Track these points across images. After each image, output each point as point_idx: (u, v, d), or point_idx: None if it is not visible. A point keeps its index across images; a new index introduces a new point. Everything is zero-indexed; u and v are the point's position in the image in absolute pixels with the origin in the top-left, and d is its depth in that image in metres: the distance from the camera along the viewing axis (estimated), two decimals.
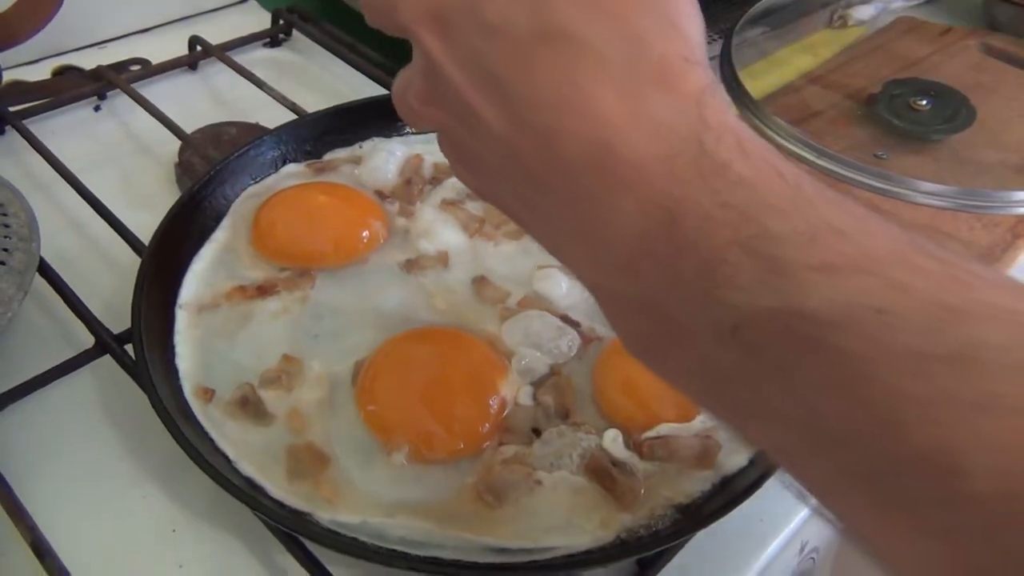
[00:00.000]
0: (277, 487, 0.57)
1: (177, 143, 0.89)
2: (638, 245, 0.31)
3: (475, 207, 0.78)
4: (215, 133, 0.94)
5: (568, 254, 0.37)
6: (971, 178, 0.91)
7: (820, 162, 0.86)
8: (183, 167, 0.89)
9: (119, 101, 0.99)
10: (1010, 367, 0.26)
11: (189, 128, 0.91)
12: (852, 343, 0.27)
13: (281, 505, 0.56)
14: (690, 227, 0.30)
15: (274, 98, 0.96)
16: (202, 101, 1.02)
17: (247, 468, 0.58)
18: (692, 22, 0.34)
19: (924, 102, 0.98)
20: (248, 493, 0.54)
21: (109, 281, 0.77)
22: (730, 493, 0.58)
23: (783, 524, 0.64)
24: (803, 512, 0.66)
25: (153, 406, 0.58)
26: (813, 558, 0.78)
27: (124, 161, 0.93)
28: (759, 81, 0.98)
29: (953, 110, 0.98)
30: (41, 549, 0.55)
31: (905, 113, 0.97)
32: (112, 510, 0.61)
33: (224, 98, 1.02)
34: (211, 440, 0.60)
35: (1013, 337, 0.27)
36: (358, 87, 1.03)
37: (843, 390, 0.27)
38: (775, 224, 0.29)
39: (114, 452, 0.64)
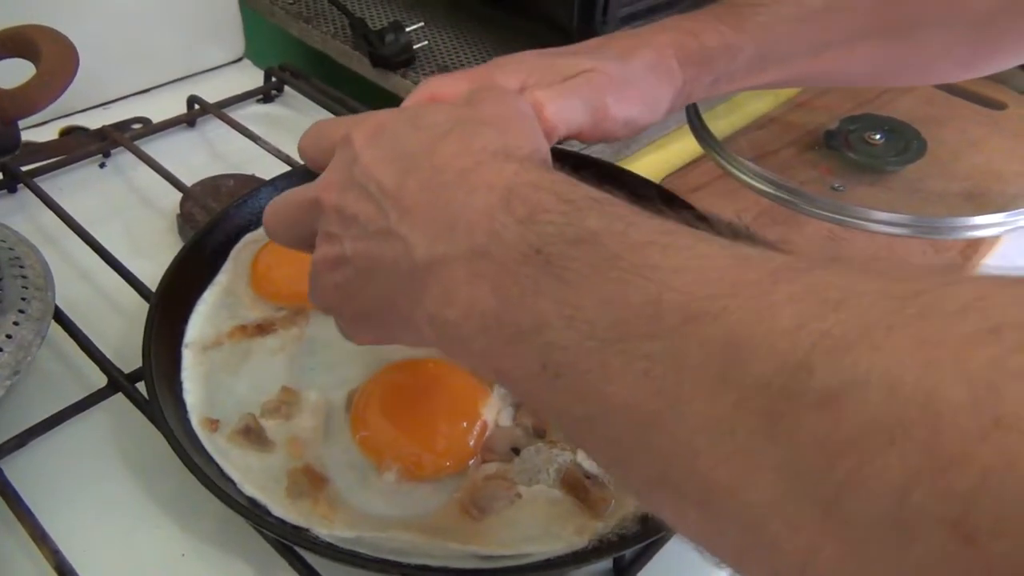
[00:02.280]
0: (279, 506, 0.62)
1: (178, 195, 0.95)
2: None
3: None
4: (214, 185, 0.99)
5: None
6: (923, 206, 0.97)
7: (781, 194, 0.90)
8: (184, 217, 0.94)
9: (123, 158, 1.04)
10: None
11: (189, 181, 0.96)
12: (609, 240, 0.37)
13: (283, 522, 0.61)
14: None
15: (268, 151, 1.02)
16: (201, 156, 1.07)
17: (251, 490, 0.63)
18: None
19: (878, 136, 1.05)
20: (253, 512, 0.59)
21: (118, 326, 0.82)
22: None
23: None
24: None
25: (165, 436, 0.63)
26: None
27: (129, 213, 0.98)
28: (722, 122, 1.04)
29: (905, 143, 1.04)
30: (64, 570, 0.60)
31: (861, 147, 1.04)
32: (126, 537, 0.65)
33: (221, 152, 1.08)
34: (218, 466, 0.64)
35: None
36: None
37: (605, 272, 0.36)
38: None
39: (127, 483, 0.69)
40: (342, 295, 0.51)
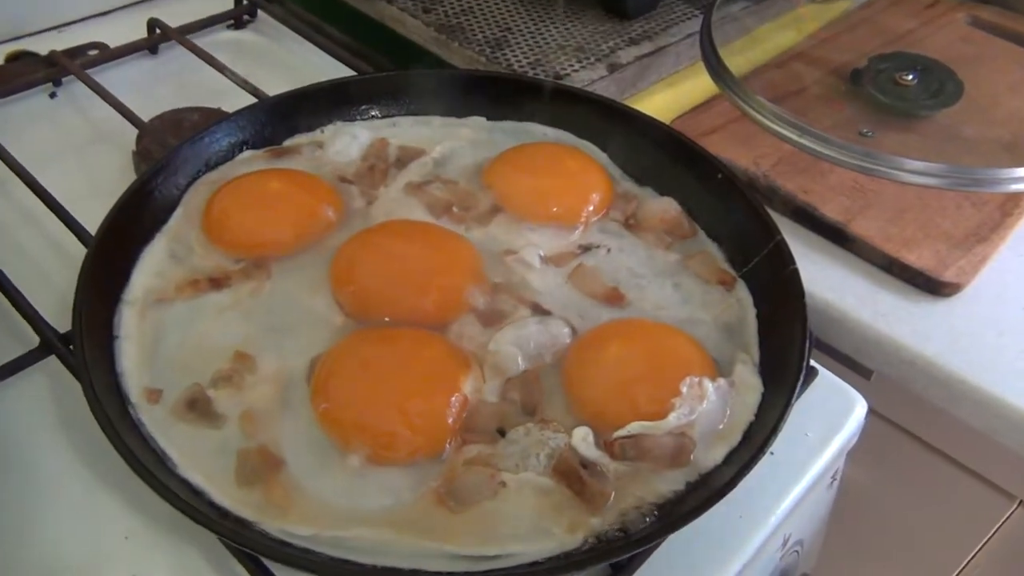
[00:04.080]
0: (225, 494, 0.54)
1: (135, 131, 0.85)
2: None
3: (442, 190, 0.75)
4: (176, 119, 0.90)
5: None
6: (959, 155, 0.88)
7: (804, 141, 0.82)
8: (141, 155, 0.85)
9: (76, 88, 0.94)
10: None
11: (149, 115, 0.88)
12: None
13: (226, 515, 0.52)
14: None
15: (237, 83, 0.92)
16: (163, 86, 0.97)
17: (193, 474, 0.55)
18: None
19: (910, 77, 0.95)
20: (190, 505, 0.50)
21: (63, 278, 0.73)
22: (705, 492, 0.55)
23: (763, 520, 0.62)
24: (785, 505, 0.63)
25: (91, 409, 0.54)
26: (797, 551, 0.75)
27: (81, 150, 0.90)
28: (740, 58, 0.93)
29: (940, 85, 0.95)
30: None
31: (891, 89, 0.94)
32: (62, 516, 0.58)
33: (185, 83, 0.98)
34: (155, 445, 0.56)
35: None
36: (325, 70, 0.99)
37: None
38: None
39: (66, 455, 0.61)
40: None
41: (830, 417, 0.69)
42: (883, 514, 0.97)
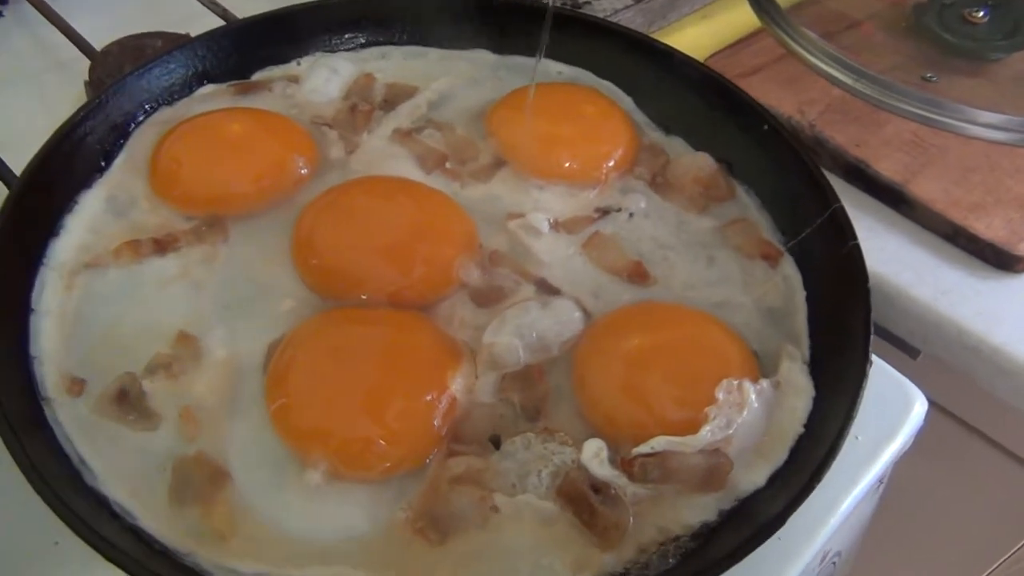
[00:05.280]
0: (153, 515, 0.46)
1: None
2: None
3: (436, 139, 0.64)
4: (136, 46, 0.81)
5: None
6: None
7: (857, 84, 0.74)
8: (94, 87, 0.77)
9: (27, 7, 0.84)
10: None
11: (108, 39, 0.79)
12: None
13: (151, 545, 0.42)
14: None
15: (207, 6, 0.82)
16: (125, 7, 0.88)
17: (117, 489, 0.46)
18: None
19: (981, 13, 0.85)
20: (98, 536, 0.40)
21: None
22: (744, 525, 0.45)
23: (806, 542, 0.53)
24: (832, 522, 0.54)
25: None
26: (835, 562, 0.67)
27: (33, 79, 0.81)
28: None
29: (1015, 23, 0.85)
30: None
31: (958, 27, 0.84)
32: None
33: (151, 4, 0.88)
34: (74, 449, 0.47)
35: None
36: None
37: None
38: None
39: None
40: None
41: (884, 416, 0.60)
42: (922, 503, 0.90)
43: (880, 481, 0.65)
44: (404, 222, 0.56)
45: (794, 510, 0.44)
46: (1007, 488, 0.88)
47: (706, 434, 0.47)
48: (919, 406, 0.61)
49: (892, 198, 0.73)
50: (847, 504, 0.56)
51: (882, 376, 0.61)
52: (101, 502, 0.45)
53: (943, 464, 0.85)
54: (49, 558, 0.49)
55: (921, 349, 0.71)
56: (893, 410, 0.60)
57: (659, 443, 0.46)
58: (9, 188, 0.61)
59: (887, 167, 0.74)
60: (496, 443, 0.48)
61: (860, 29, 0.86)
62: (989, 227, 0.69)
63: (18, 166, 0.60)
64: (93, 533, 0.41)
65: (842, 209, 0.57)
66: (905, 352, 0.73)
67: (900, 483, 0.83)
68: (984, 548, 0.96)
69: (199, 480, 0.46)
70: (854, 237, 0.55)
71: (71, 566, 0.48)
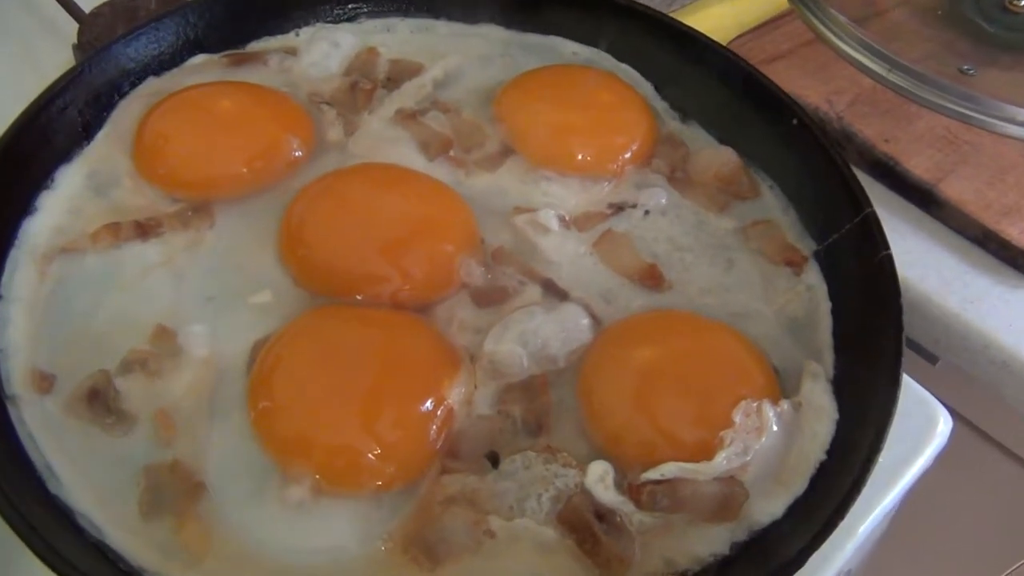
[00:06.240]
0: (121, 528, 0.43)
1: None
2: None
3: (441, 122, 0.60)
4: (130, 8, 0.77)
5: None
6: None
7: (891, 76, 0.70)
8: (83, 50, 0.73)
9: None
10: None
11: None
12: None
13: (116, 564, 0.39)
14: None
15: None
16: None
17: (82, 498, 0.43)
18: None
19: (1023, 2, 0.79)
20: (54, 554, 0.37)
21: None
22: (757, 557, 0.42)
23: (821, 569, 0.50)
24: (850, 546, 0.52)
25: None
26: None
27: (20, 40, 0.78)
28: None
29: None
30: None
31: (998, 16, 0.80)
32: None
33: None
34: (39, 453, 0.43)
35: None
36: None
37: None
38: None
39: None
40: None
41: (908, 436, 0.57)
42: (934, 510, 0.88)
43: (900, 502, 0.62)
44: (402, 216, 0.52)
45: (815, 549, 0.41)
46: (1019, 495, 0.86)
47: (722, 461, 0.43)
48: (943, 424, 0.58)
49: (921, 198, 0.70)
50: (865, 528, 0.53)
51: (904, 391, 0.57)
52: (64, 513, 0.42)
53: (959, 473, 0.83)
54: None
55: (946, 358, 0.68)
56: (916, 428, 0.57)
57: (670, 469, 0.43)
58: None
59: (917, 165, 0.70)
60: (493, 460, 0.45)
61: (893, 14, 0.81)
62: (1023, 232, 0.66)
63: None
64: (51, 551, 0.37)
65: (874, 215, 0.53)
66: (923, 357, 0.70)
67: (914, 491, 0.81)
68: (995, 555, 0.94)
69: (173, 490, 0.43)
70: (886, 247, 0.52)
71: None
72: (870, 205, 0.54)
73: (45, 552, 0.37)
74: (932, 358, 0.70)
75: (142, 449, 0.45)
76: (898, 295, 0.50)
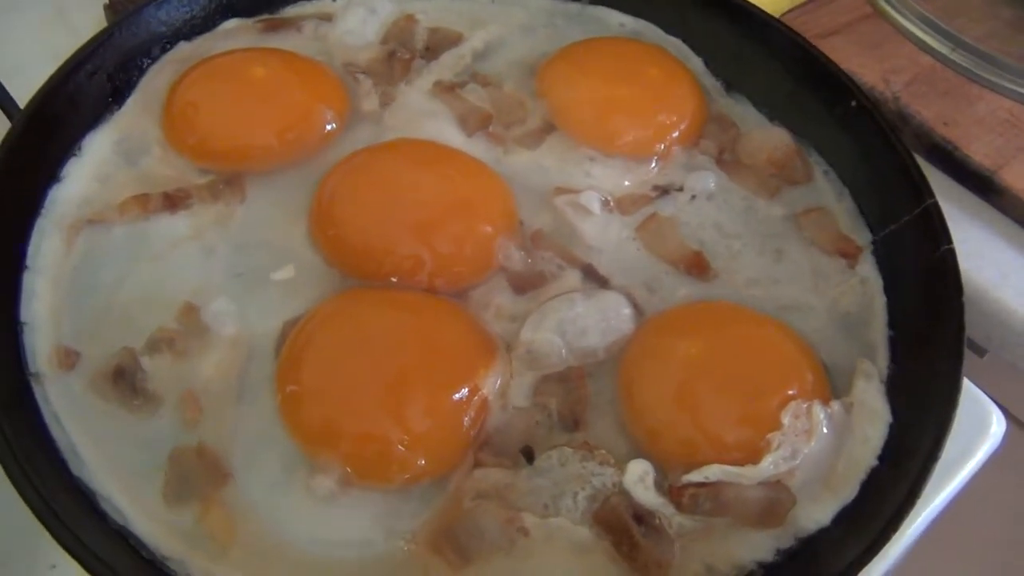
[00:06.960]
0: (145, 513, 0.41)
1: None
2: None
3: (480, 96, 0.58)
4: None
5: None
6: None
7: (954, 56, 0.69)
8: (113, 9, 0.72)
9: None
10: None
11: None
12: None
13: (138, 552, 0.38)
14: None
15: None
16: None
17: (106, 481, 0.41)
18: None
19: None
20: (77, 541, 0.36)
21: None
22: (803, 567, 0.40)
23: None
24: (891, 556, 0.50)
25: None
26: None
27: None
28: None
29: None
30: None
31: None
32: None
33: None
34: (62, 431, 0.42)
35: None
36: None
37: None
38: None
39: None
40: None
41: (959, 438, 0.52)
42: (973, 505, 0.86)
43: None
44: (439, 196, 0.50)
45: (866, 563, 0.38)
46: None
47: (768, 466, 0.41)
48: (996, 425, 0.56)
49: (980, 185, 0.67)
50: (911, 533, 0.51)
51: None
52: (87, 496, 0.41)
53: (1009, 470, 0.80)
54: None
55: (1004, 357, 0.65)
56: (968, 430, 0.54)
57: (714, 472, 0.41)
58: (11, 120, 0.56)
59: (977, 150, 0.67)
60: (527, 455, 0.43)
61: None
62: None
63: (24, 97, 0.54)
64: (74, 539, 0.36)
65: (936, 206, 0.50)
66: (971, 350, 0.67)
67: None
68: None
69: (198, 475, 0.42)
70: (949, 241, 0.49)
71: None
72: (932, 196, 0.51)
73: (67, 540, 0.36)
74: (980, 350, 0.67)
75: (167, 432, 0.44)
76: (960, 292, 0.47)
